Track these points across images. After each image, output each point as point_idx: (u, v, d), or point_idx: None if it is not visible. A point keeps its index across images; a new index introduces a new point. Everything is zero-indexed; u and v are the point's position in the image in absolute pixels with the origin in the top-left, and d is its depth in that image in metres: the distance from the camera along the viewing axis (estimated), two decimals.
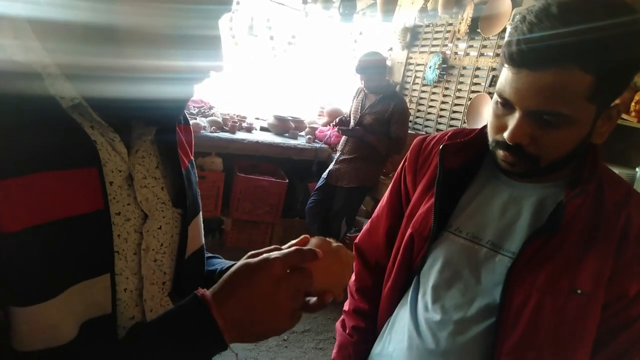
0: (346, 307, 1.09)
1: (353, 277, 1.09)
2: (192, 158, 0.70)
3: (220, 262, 0.76)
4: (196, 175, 0.71)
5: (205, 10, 0.49)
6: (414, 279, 0.91)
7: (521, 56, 0.67)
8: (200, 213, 0.69)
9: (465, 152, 0.87)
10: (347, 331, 1.05)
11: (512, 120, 0.71)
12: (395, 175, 1.03)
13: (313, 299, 0.62)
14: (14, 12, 0.47)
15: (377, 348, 0.97)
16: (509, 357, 0.77)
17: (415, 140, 1.00)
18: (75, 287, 0.48)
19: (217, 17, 0.52)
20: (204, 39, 0.50)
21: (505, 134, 0.72)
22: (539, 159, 0.73)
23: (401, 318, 0.92)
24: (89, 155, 0.50)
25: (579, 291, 0.73)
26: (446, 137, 0.93)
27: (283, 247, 0.64)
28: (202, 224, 0.70)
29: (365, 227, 1.10)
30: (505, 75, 0.71)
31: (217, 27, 0.52)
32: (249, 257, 0.63)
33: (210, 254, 0.78)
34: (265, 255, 0.56)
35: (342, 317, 1.09)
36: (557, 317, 0.74)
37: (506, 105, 0.72)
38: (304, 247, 0.60)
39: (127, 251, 0.54)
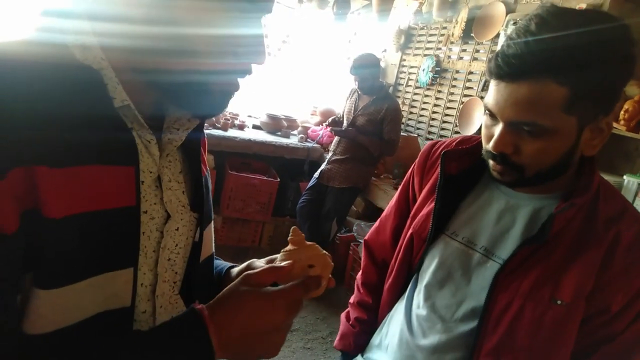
0: (352, 299, 1.14)
1: (360, 272, 1.15)
2: (208, 168, 0.73)
3: (221, 264, 0.78)
4: (211, 184, 0.73)
5: (252, 9, 0.53)
6: (413, 277, 0.95)
7: (498, 69, 0.71)
8: (213, 222, 0.71)
9: (466, 159, 0.90)
10: (350, 322, 1.10)
11: (497, 130, 0.75)
12: (405, 177, 1.08)
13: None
14: (77, 11, 0.50)
15: (375, 340, 1.02)
16: (487, 359, 0.79)
17: (426, 144, 1.04)
18: (100, 276, 0.50)
19: (262, 16, 0.56)
20: (249, 35, 0.54)
21: (490, 144, 0.76)
22: (524, 169, 0.75)
23: (398, 313, 0.96)
24: (129, 154, 0.52)
25: (558, 301, 0.75)
26: (454, 143, 0.97)
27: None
28: (213, 232, 0.72)
29: (374, 225, 1.15)
30: (490, 87, 0.75)
31: (260, 24, 0.55)
32: (248, 267, 0.68)
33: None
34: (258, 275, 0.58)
35: (347, 308, 1.15)
36: (535, 324, 0.76)
37: (492, 116, 0.76)
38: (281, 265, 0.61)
39: (148, 248, 0.57)
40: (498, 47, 3.11)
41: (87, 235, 0.48)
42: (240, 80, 0.57)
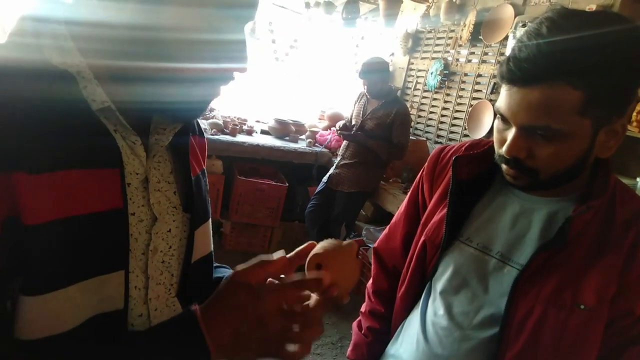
0: (363, 308, 1.12)
1: (371, 280, 1.14)
2: (204, 167, 0.72)
3: (225, 272, 0.77)
4: (207, 183, 0.73)
5: (233, 16, 0.53)
6: (427, 285, 0.94)
7: (510, 74, 0.70)
8: (210, 220, 0.71)
9: (478, 164, 0.88)
10: (362, 331, 1.09)
11: (510, 135, 0.73)
12: (414, 183, 1.06)
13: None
14: (53, 16, 0.50)
15: (390, 349, 1.00)
16: None
17: (434, 149, 1.03)
18: (91, 280, 0.50)
19: (243, 23, 0.55)
20: (231, 42, 0.54)
21: (503, 148, 0.75)
22: (538, 172, 0.74)
23: (413, 322, 0.95)
24: (112, 157, 0.52)
25: (582, 306, 0.74)
26: (463, 148, 0.95)
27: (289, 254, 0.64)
28: (211, 231, 0.72)
29: (384, 233, 1.14)
30: (501, 91, 0.74)
31: (243, 31, 0.55)
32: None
33: (217, 264, 0.79)
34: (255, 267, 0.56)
35: (359, 317, 1.13)
36: (558, 331, 0.75)
37: (505, 121, 0.75)
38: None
39: (137, 250, 0.56)
40: (507, 50, 3.06)
41: (73, 239, 0.48)
42: (222, 87, 0.56)
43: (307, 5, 3.89)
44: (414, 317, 0.95)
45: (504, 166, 0.78)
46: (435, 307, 0.89)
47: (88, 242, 0.50)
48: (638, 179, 2.10)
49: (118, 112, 0.52)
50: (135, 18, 0.49)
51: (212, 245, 0.72)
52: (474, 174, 0.88)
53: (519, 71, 0.68)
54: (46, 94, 0.48)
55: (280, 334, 0.53)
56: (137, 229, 0.56)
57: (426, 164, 1.02)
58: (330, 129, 4.03)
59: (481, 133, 3.00)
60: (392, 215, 1.13)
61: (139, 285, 0.57)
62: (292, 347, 0.53)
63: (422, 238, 0.94)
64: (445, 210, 0.89)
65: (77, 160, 0.49)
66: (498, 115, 0.77)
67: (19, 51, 0.50)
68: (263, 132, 3.95)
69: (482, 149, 0.89)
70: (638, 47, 0.67)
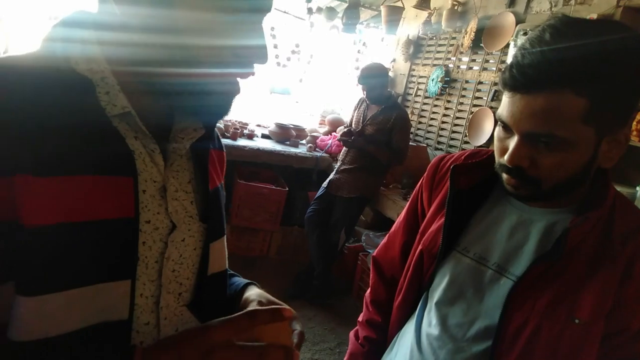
0: (361, 317, 1.11)
1: (369, 289, 1.12)
2: (223, 181, 0.72)
3: (237, 282, 0.76)
4: (224, 197, 0.72)
5: (251, 11, 0.53)
6: (424, 295, 0.92)
7: (513, 81, 0.68)
8: (225, 236, 0.70)
9: (476, 173, 0.87)
10: (359, 341, 1.07)
11: (512, 143, 0.72)
12: (414, 192, 1.05)
13: None
14: (83, 22, 0.51)
15: (385, 359, 0.99)
16: None
17: (435, 158, 1.02)
18: (93, 287, 0.50)
19: (260, 18, 0.56)
20: (249, 38, 0.54)
21: (505, 157, 0.73)
22: (540, 182, 0.72)
23: (408, 333, 0.93)
24: (126, 165, 0.52)
25: (576, 320, 0.72)
26: (463, 157, 0.94)
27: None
28: (225, 247, 0.70)
29: (383, 241, 1.12)
30: (503, 99, 0.72)
31: (261, 26, 0.55)
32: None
33: (230, 271, 0.77)
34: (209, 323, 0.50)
35: (356, 327, 1.11)
36: (552, 345, 0.73)
37: (506, 129, 0.73)
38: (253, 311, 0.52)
39: (149, 258, 0.56)
40: (508, 58, 3.03)
41: (76, 244, 0.48)
42: (242, 81, 0.56)
43: (310, 10, 3.91)
44: (409, 327, 0.93)
45: (505, 176, 0.76)
46: (430, 318, 0.88)
47: (93, 248, 0.49)
48: (638, 188, 2.10)
49: (139, 118, 0.52)
50: (155, 23, 0.49)
51: (227, 262, 0.71)
52: (472, 183, 0.87)
53: (522, 77, 0.67)
54: (62, 100, 0.48)
55: None
56: (152, 237, 0.55)
57: (426, 172, 1.01)
58: (331, 134, 4.04)
59: (481, 140, 3.00)
60: (392, 221, 1.12)
61: (145, 294, 0.56)
62: None
63: (420, 247, 0.93)
64: (442, 220, 0.88)
65: (89, 166, 0.49)
66: (499, 123, 0.75)
67: (46, 57, 0.50)
68: (264, 136, 3.96)
69: (481, 158, 0.88)
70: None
